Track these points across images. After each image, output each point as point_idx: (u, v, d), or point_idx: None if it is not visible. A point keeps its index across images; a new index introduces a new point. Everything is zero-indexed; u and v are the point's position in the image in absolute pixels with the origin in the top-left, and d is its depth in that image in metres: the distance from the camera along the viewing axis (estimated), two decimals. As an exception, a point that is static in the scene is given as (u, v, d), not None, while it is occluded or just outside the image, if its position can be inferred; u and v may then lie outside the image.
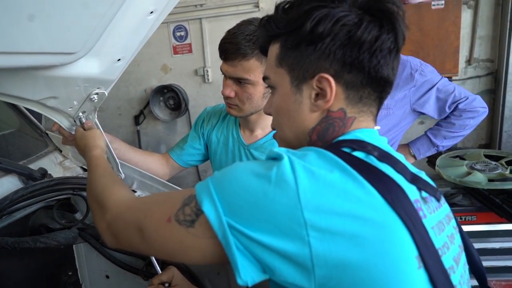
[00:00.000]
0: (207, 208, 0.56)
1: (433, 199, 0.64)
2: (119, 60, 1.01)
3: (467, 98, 1.88)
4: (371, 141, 0.64)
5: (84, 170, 1.28)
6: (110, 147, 1.15)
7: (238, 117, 1.33)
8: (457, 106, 1.90)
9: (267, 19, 0.69)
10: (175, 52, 3.67)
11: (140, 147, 3.85)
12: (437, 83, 1.89)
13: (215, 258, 0.59)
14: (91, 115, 1.13)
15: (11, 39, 0.66)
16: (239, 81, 1.19)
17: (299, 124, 0.68)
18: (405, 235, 0.53)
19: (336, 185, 0.53)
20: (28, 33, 0.68)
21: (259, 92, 1.21)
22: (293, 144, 0.71)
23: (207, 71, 3.59)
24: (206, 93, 3.72)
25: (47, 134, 1.33)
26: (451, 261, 0.59)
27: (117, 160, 1.16)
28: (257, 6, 3.36)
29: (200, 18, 3.49)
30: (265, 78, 0.74)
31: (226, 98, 1.24)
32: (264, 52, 0.76)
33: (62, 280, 1.28)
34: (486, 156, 2.07)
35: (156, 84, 3.72)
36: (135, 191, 1.17)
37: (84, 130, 1.10)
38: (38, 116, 1.43)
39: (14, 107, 1.31)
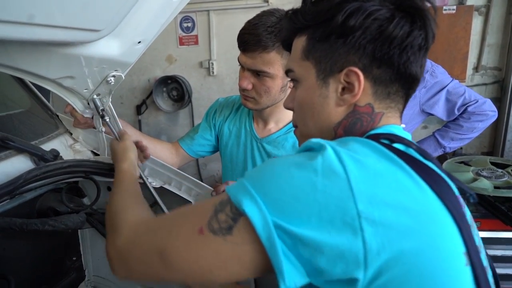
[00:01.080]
0: (249, 209, 0.50)
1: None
2: (139, 42, 0.99)
3: (477, 101, 1.88)
4: (404, 136, 0.63)
5: (95, 154, 1.26)
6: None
7: (253, 110, 1.30)
8: (466, 108, 1.90)
9: (294, 11, 0.68)
10: (181, 43, 3.63)
11: (140, 137, 3.81)
12: (447, 84, 1.89)
13: (255, 267, 0.53)
14: (106, 98, 1.11)
15: (44, 12, 0.63)
16: (258, 74, 1.17)
17: (324, 118, 0.66)
18: (454, 230, 0.52)
19: (387, 175, 0.50)
20: (56, 6, 0.66)
21: (277, 86, 1.19)
22: None
23: (212, 64, 3.56)
24: (210, 86, 3.69)
25: (57, 115, 1.30)
26: (485, 260, 0.59)
27: None
28: (266, 1, 3.33)
29: (208, 10, 3.44)
30: (288, 71, 0.72)
31: (242, 90, 1.22)
32: (286, 46, 0.75)
33: (66, 265, 1.26)
34: (492, 163, 2.07)
35: (160, 75, 3.68)
36: (147, 178, 1.14)
37: (117, 138, 1.11)
38: (47, 97, 1.40)
39: (26, 87, 1.28)
